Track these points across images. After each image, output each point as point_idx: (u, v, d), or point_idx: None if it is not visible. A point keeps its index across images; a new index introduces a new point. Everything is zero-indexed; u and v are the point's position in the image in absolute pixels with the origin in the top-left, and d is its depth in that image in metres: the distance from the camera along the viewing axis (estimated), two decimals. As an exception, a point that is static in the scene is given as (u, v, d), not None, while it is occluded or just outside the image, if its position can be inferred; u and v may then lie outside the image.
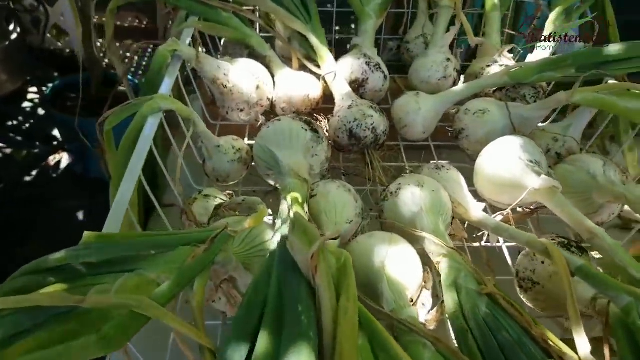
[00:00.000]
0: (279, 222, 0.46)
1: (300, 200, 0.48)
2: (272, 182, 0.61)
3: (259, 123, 0.70)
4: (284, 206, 0.49)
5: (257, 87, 0.69)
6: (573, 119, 0.65)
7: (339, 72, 0.70)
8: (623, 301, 0.38)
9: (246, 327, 0.34)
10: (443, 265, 0.46)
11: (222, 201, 0.54)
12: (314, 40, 0.73)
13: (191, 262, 0.37)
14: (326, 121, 0.70)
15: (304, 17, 0.76)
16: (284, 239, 0.41)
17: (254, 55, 0.82)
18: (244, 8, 0.75)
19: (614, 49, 0.65)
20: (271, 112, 0.73)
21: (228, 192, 0.57)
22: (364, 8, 0.79)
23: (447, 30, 0.79)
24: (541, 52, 0.76)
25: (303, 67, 0.76)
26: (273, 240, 0.44)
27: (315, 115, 0.71)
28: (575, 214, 0.52)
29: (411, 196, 0.53)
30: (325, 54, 0.72)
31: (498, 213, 0.57)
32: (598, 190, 0.56)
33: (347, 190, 0.54)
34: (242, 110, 0.69)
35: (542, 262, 0.50)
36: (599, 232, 0.49)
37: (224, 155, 0.61)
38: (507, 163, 0.57)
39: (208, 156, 0.61)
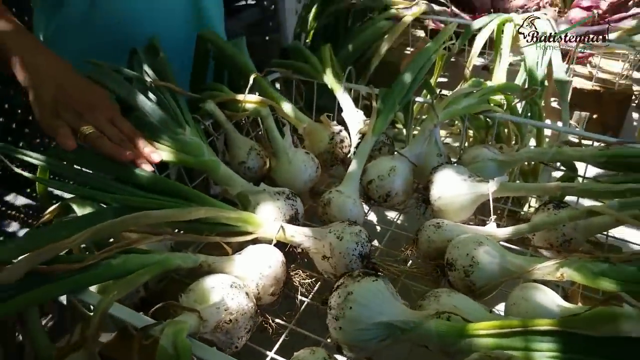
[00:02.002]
0: None
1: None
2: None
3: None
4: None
5: (247, 295, 0.56)
6: (430, 134, 0.81)
7: (280, 222, 0.64)
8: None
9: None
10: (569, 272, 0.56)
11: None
12: (231, 215, 0.62)
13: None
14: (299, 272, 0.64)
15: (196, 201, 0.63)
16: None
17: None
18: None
19: (406, 78, 0.84)
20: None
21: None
22: (206, 159, 0.72)
23: (282, 132, 0.80)
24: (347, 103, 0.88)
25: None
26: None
27: (294, 273, 0.64)
28: (531, 186, 0.70)
29: (490, 257, 0.59)
30: (254, 218, 0.64)
31: (489, 220, 0.69)
32: (510, 166, 0.76)
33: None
34: (249, 330, 0.55)
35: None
36: (557, 184, 0.68)
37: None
38: (460, 189, 0.70)
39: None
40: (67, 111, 0.65)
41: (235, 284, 0.55)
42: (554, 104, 1.08)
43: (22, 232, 1.89)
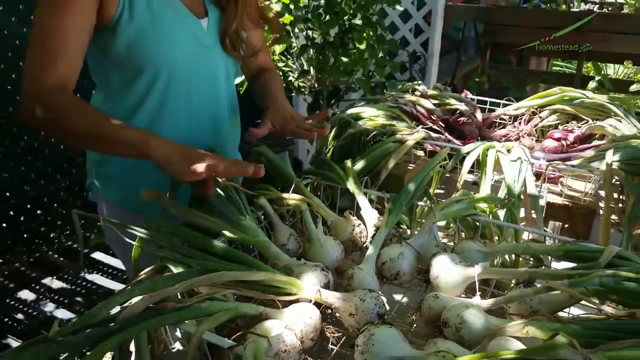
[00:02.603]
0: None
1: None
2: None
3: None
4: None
5: (295, 335, 0.76)
6: (429, 229, 1.04)
7: (317, 287, 0.85)
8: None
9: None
10: (532, 329, 0.76)
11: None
12: (282, 279, 0.84)
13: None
14: (330, 327, 0.84)
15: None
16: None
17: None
18: None
19: (410, 187, 1.10)
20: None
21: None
22: (260, 240, 0.95)
23: (315, 223, 1.04)
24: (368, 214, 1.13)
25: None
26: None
27: (326, 328, 0.83)
28: (507, 270, 0.92)
29: (474, 317, 0.79)
30: (298, 283, 0.85)
31: (475, 296, 0.90)
32: (492, 256, 0.99)
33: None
34: (297, 363, 0.74)
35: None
36: (525, 270, 0.91)
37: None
38: (454, 273, 0.92)
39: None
40: (196, 161, 0.90)
41: (288, 327, 0.76)
42: (534, 215, 1.33)
43: (57, 312, 2.06)
